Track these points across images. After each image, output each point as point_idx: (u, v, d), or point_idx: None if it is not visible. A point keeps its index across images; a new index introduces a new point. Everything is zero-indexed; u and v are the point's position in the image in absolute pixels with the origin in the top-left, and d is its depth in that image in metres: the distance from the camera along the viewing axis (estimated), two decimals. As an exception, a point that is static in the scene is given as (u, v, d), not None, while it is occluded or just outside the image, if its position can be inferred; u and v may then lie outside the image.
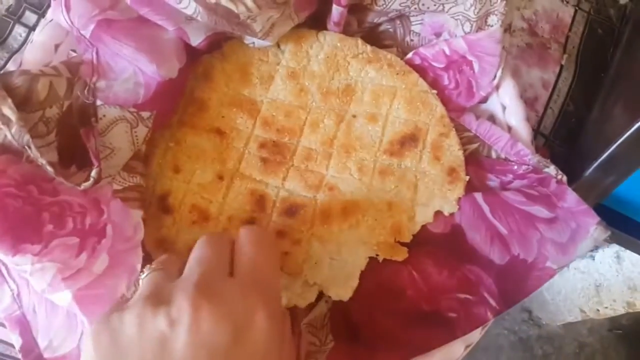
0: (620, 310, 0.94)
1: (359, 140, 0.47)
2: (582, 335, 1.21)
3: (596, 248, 0.89)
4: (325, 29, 0.50)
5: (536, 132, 0.54)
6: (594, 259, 0.91)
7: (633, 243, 0.52)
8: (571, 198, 0.44)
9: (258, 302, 0.32)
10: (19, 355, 0.41)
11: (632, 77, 0.53)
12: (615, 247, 0.87)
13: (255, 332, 0.31)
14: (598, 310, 0.98)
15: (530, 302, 1.16)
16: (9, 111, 0.39)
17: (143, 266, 0.41)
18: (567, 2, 0.58)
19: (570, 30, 0.58)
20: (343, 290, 0.44)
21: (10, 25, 0.52)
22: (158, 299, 0.31)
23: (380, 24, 0.51)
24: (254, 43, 0.49)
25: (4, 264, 0.40)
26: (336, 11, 0.47)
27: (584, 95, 0.56)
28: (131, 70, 0.43)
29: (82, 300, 0.38)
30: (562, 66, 0.57)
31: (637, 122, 0.44)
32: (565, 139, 0.55)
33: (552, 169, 0.45)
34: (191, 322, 0.29)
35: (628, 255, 0.82)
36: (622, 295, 0.92)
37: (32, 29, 0.52)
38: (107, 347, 0.30)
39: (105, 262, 0.40)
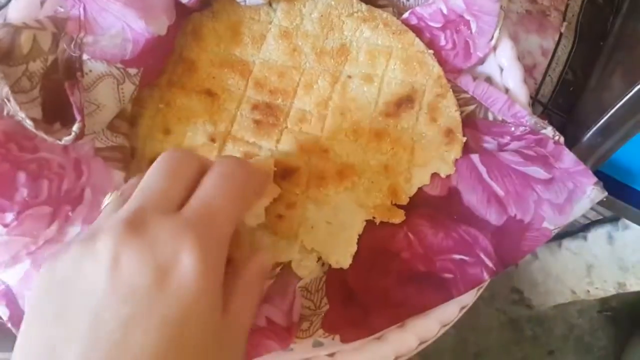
0: (611, 290, 0.94)
1: (354, 102, 0.46)
2: (572, 317, 1.21)
3: (588, 229, 0.89)
4: (319, -13, 0.49)
5: (534, 99, 0.53)
6: (586, 240, 0.91)
7: (630, 211, 0.52)
8: (568, 159, 0.43)
9: (191, 242, 0.27)
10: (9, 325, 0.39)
11: (630, 46, 0.53)
12: (607, 228, 0.87)
13: (181, 275, 0.27)
14: (588, 291, 0.98)
15: (521, 283, 1.16)
16: None
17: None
18: (568, -31, 0.58)
19: (570, -3, 0.57)
20: (342, 258, 0.43)
21: (-6, -21, 0.50)
22: (93, 234, 0.28)
23: (375, -17, 0.50)
24: (245, 1, 0.47)
25: None
26: (331, -32, 0.45)
27: (583, 63, 0.55)
28: (119, 26, 0.42)
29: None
30: (561, 34, 0.55)
31: (636, 86, 0.44)
32: (563, 107, 0.54)
33: (549, 130, 0.44)
34: (111, 261, 0.26)
35: (620, 235, 0.82)
36: (613, 276, 0.92)
37: (16, -18, 0.50)
38: (42, 290, 0.28)
39: (77, 229, 0.39)
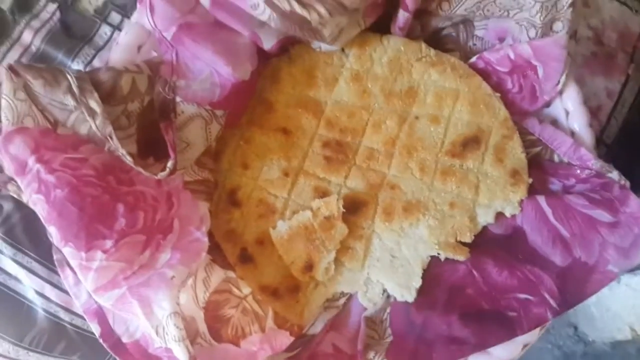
0: (675, 330, 0.91)
1: (421, 141, 0.49)
2: (631, 356, 1.16)
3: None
4: (389, 32, 0.51)
5: (599, 140, 0.54)
6: (647, 277, 0.89)
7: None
8: (634, 203, 0.44)
9: None
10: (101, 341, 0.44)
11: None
12: (672, 265, 0.84)
13: None
14: (650, 329, 0.95)
15: (577, 318, 1.13)
16: (94, 104, 0.42)
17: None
18: (637, 11, 0.58)
19: (638, 39, 0.57)
20: (407, 292, 0.45)
21: (98, 25, 0.55)
22: None
23: (443, 29, 0.52)
24: (320, 47, 0.51)
25: (69, 266, 0.42)
26: (402, 16, 0.48)
27: (651, 106, 0.55)
28: (208, 72, 0.46)
29: (133, 289, 0.41)
30: (628, 75, 0.56)
31: None
32: (628, 148, 0.54)
33: (615, 174, 0.45)
34: None
35: (685, 274, 0.80)
36: (676, 315, 0.89)
37: (116, 27, 0.55)
38: None
39: (167, 256, 0.42)
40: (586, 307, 1.04)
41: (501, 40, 0.50)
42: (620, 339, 1.02)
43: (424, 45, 0.51)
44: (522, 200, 0.46)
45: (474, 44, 0.52)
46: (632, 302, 0.95)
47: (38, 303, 0.47)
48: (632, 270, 0.89)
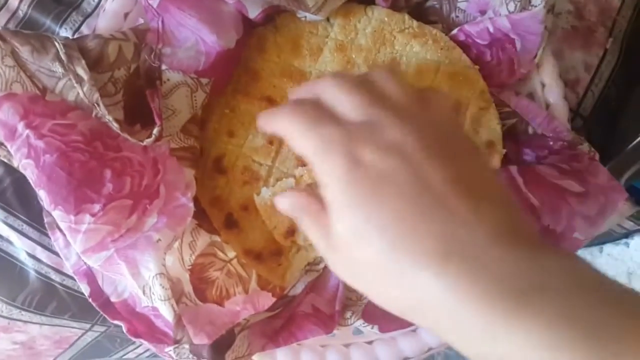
0: (651, 298, 0.94)
1: (401, 112, 0.50)
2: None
3: (631, 235, 0.89)
4: (374, 3, 0.52)
5: (575, 113, 0.55)
6: (628, 247, 0.92)
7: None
8: (602, 174, 0.46)
9: None
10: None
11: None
12: (649, 235, 0.87)
13: None
14: (628, 298, 0.98)
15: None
16: (82, 71, 0.43)
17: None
18: (618, -15, 0.59)
19: (618, 14, 0.58)
20: None
21: (85, -9, 0.56)
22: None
23: (426, 0, 0.53)
24: (305, 17, 0.51)
25: (59, 229, 0.44)
26: (386, -13, 0.49)
27: (627, 79, 0.56)
28: (193, 40, 0.46)
29: (120, 251, 0.43)
30: (606, 50, 0.57)
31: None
32: (603, 121, 0.56)
33: (585, 146, 0.47)
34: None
35: (663, 243, 0.82)
36: (654, 284, 0.92)
37: (104, -7, 0.55)
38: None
39: (154, 220, 0.43)
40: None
41: (482, 13, 0.51)
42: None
43: (407, 17, 0.51)
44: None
45: (457, 16, 0.52)
46: (612, 272, 0.98)
47: (30, 264, 0.49)
48: (614, 241, 0.92)
